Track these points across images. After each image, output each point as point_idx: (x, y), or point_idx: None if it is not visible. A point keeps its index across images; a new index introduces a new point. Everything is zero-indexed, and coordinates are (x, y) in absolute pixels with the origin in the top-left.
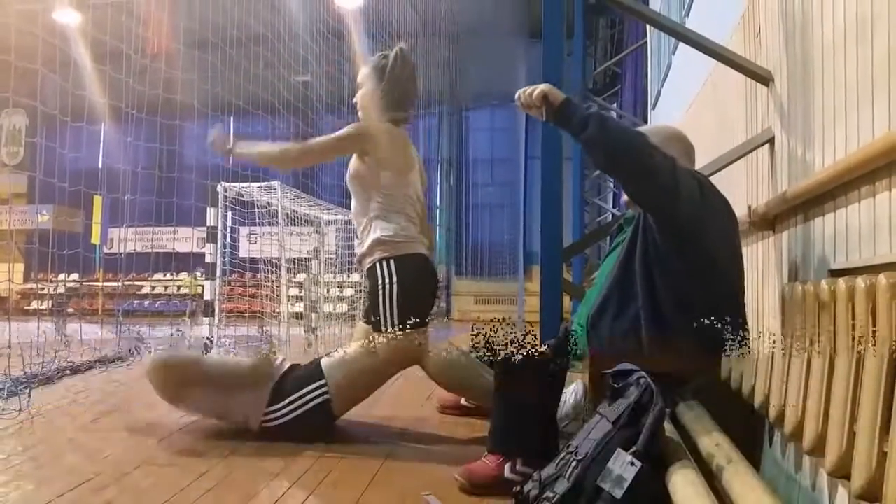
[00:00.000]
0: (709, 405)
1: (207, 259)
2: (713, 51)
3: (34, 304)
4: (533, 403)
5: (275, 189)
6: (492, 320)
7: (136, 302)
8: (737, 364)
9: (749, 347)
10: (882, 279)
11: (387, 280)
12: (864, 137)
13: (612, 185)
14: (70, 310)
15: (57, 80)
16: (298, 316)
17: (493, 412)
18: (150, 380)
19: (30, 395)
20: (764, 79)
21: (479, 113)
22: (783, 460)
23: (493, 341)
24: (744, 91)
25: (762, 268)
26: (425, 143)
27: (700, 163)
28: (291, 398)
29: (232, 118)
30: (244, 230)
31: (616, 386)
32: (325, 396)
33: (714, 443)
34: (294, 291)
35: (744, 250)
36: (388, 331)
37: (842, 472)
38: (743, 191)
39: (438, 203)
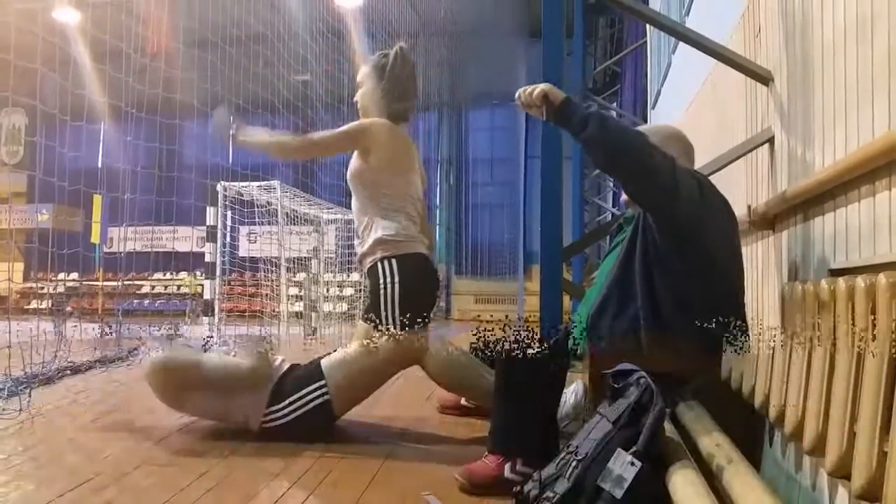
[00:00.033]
0: (709, 405)
1: (207, 258)
2: (713, 50)
3: (34, 304)
4: (533, 403)
5: (274, 188)
6: (488, 321)
7: (135, 301)
8: (737, 364)
9: (749, 347)
10: (882, 278)
11: (388, 279)
12: (863, 137)
13: (611, 184)
14: (69, 308)
15: (56, 78)
16: (298, 315)
17: (493, 412)
18: (150, 383)
19: (30, 395)
20: (764, 78)
21: (479, 112)
22: (783, 460)
23: (492, 340)
24: (744, 90)
25: (762, 267)
26: (425, 142)
27: (700, 162)
28: (291, 399)
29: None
30: (244, 229)
31: (616, 386)
32: (326, 397)
33: (714, 443)
34: (294, 291)
35: (744, 250)
36: (390, 330)
37: (842, 472)
38: (743, 190)
39: (438, 203)
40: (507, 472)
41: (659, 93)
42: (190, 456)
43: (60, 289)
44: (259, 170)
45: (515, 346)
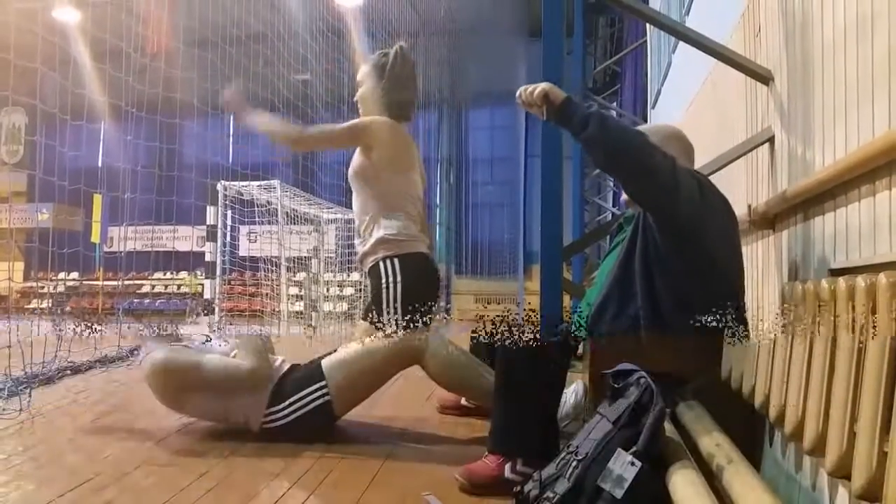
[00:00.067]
0: (709, 405)
1: (207, 258)
2: (713, 50)
3: (34, 303)
4: (533, 403)
5: (274, 188)
6: (481, 317)
7: (136, 301)
8: (737, 364)
9: (749, 347)
10: (882, 278)
11: (390, 279)
12: (864, 136)
13: (611, 184)
14: (68, 308)
15: (56, 78)
16: (298, 315)
17: (493, 412)
18: (149, 384)
19: (30, 395)
20: (764, 78)
21: (479, 112)
22: (783, 460)
23: (494, 331)
24: (744, 90)
25: (762, 267)
26: (425, 142)
27: (700, 162)
28: (292, 399)
29: (231, 117)
30: (244, 229)
31: (616, 386)
32: (326, 398)
33: (714, 443)
34: (294, 290)
35: (744, 249)
36: (391, 330)
37: (842, 472)
38: (743, 190)
39: (438, 202)
40: (507, 473)
41: (659, 92)
42: (190, 456)
43: (61, 288)
44: (259, 169)
45: (516, 344)
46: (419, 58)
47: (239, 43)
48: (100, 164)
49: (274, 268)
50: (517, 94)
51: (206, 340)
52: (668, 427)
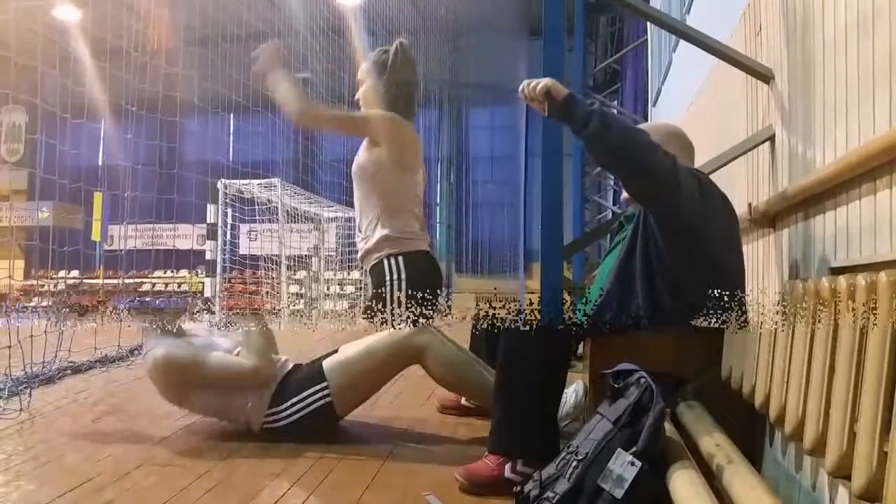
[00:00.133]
0: (709, 405)
1: (208, 256)
2: (714, 48)
3: (35, 301)
4: (533, 403)
5: (275, 186)
6: (477, 309)
7: (136, 299)
8: (737, 364)
9: (749, 346)
10: (883, 277)
11: (395, 276)
12: (864, 135)
13: (612, 182)
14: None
15: (57, 76)
16: (299, 313)
17: (493, 412)
18: (152, 379)
19: (30, 395)
20: (764, 76)
21: (479, 110)
22: (783, 460)
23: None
24: (744, 88)
25: (763, 265)
26: (425, 140)
27: (700, 160)
28: (293, 400)
29: (231, 115)
30: (244, 227)
31: (616, 386)
32: (328, 399)
33: (714, 443)
34: (294, 289)
35: (744, 248)
36: (395, 328)
37: (842, 472)
38: (743, 188)
39: (439, 201)
40: (507, 473)
41: (660, 91)
42: (190, 456)
43: (61, 286)
44: (260, 167)
45: (516, 344)
46: (419, 56)
47: (239, 41)
48: (100, 163)
49: (274, 266)
50: (520, 87)
51: (205, 309)
52: (668, 427)
